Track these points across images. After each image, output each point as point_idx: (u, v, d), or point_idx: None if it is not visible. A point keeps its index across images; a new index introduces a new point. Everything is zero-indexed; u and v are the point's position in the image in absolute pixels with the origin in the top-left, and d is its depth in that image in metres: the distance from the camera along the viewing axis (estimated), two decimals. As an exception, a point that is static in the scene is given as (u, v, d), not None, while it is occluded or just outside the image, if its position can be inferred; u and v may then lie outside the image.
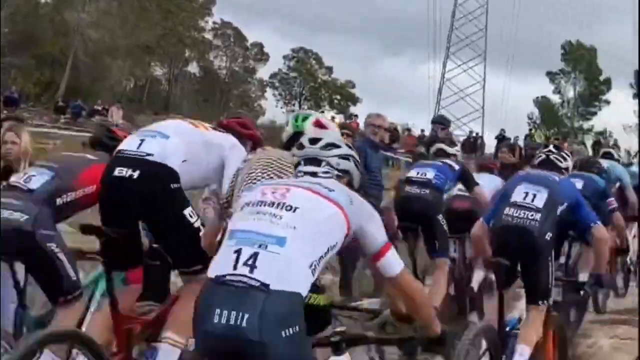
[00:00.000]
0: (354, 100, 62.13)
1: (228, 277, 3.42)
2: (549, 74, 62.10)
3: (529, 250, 5.95)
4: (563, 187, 6.28)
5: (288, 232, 3.49)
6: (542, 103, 61.68)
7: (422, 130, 36.16)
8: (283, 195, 3.62)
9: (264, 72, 64.99)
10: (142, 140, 5.29)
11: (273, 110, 63.02)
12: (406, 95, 79.64)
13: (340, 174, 3.95)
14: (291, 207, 3.56)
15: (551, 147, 6.99)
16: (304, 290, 3.43)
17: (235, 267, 3.43)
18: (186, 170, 5.22)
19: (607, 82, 61.04)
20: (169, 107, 56.12)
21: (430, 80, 59.30)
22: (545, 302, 5.98)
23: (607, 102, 61.29)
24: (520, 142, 31.48)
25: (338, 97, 63.02)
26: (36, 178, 5.62)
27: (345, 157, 4.00)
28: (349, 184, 3.95)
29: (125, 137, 5.77)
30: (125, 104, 46.93)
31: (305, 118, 4.95)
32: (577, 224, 6.34)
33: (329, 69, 63.89)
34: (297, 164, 4.02)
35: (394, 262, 3.75)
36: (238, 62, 64.70)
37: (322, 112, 58.81)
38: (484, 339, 5.58)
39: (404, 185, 8.83)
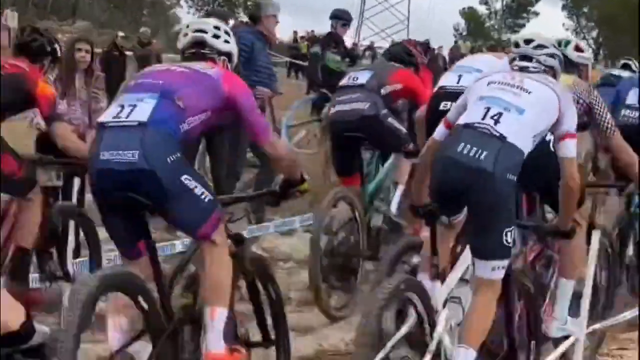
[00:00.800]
0: (273, 7, 59.35)
1: (476, 124, 4.48)
2: (476, -17, 60.69)
3: None
4: None
5: (526, 107, 4.53)
6: (469, 14, 60.64)
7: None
8: (521, 81, 4.65)
9: (178, -22, 62.06)
10: (460, 76, 6.27)
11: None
12: (328, 3, 77.16)
13: (546, 69, 4.85)
14: (527, 90, 4.60)
15: None
16: (526, 152, 4.46)
17: (483, 118, 4.49)
18: None
19: (536, -7, 59.94)
20: (77, 13, 53.33)
21: (354, -12, 57.40)
22: None
23: (536, 14, 60.91)
24: (445, 52, 31.66)
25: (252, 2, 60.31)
26: (361, 76, 7.38)
27: (551, 55, 4.89)
28: (553, 77, 4.86)
29: (420, 54, 8.11)
30: (30, 9, 44.18)
31: (567, 43, 6.07)
32: None
33: (243, -28, 60.98)
34: (513, 59, 4.91)
35: (570, 149, 4.61)
36: (151, -34, 61.60)
37: (237, 18, 56.47)
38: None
39: None
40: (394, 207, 7.37)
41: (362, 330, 4.26)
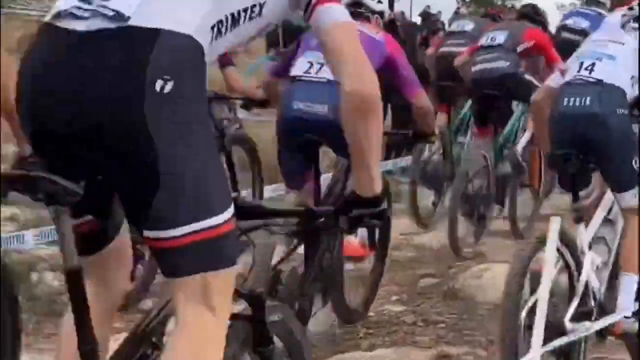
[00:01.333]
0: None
1: (573, 78, 4.85)
2: (480, -52, 59.46)
3: None
4: None
5: (617, 54, 4.86)
6: (473, -20, 59.08)
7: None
8: (613, 34, 5.05)
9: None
10: None
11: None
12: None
13: None
14: (621, 42, 4.94)
15: None
16: (627, 90, 4.73)
17: (578, 71, 4.84)
18: None
19: (541, -43, 58.63)
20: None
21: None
22: None
23: (541, -21, 59.10)
24: (445, 20, 29.63)
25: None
26: (498, 37, 8.19)
27: None
28: None
29: (542, 13, 9.22)
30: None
31: None
32: None
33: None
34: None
35: None
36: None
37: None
38: None
39: None
40: (519, 147, 8.05)
41: (510, 280, 4.29)
